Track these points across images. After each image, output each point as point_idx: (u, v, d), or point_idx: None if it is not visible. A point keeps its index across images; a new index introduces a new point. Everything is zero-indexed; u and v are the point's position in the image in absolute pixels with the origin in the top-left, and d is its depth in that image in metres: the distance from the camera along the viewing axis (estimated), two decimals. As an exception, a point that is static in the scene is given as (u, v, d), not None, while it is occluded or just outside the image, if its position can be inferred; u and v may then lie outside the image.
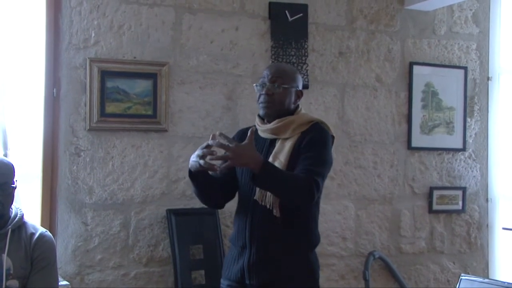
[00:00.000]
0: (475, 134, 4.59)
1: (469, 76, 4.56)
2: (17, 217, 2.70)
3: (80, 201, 3.56)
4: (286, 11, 4.01)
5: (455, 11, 4.54)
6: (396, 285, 4.30)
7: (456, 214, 4.52)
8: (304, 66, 4.03)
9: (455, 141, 4.50)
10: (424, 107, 4.41)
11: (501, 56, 4.63)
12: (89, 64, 3.55)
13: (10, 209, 2.70)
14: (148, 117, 3.68)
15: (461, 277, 3.16)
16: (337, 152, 4.06)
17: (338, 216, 4.18)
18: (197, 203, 2.83)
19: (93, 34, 3.59)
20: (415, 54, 4.41)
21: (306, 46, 4.05)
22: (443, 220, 4.48)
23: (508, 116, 4.61)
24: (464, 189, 4.51)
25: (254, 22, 3.97)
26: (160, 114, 3.69)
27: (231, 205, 2.87)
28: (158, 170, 3.72)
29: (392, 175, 4.33)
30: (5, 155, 3.43)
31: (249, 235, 2.62)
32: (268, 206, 2.58)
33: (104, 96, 3.57)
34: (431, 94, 4.43)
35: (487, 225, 4.63)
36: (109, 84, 3.59)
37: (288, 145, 2.63)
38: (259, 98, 2.72)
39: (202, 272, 3.69)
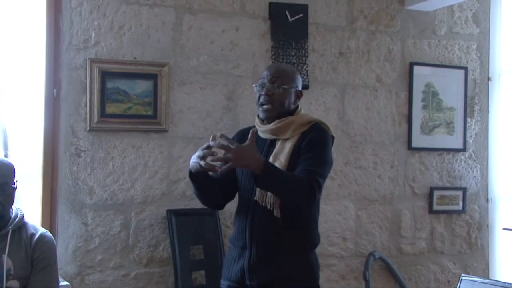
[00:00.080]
0: (476, 134, 4.59)
1: (470, 77, 4.56)
2: (18, 218, 2.71)
3: (80, 202, 3.56)
4: (286, 12, 4.01)
5: (455, 11, 4.54)
6: (396, 285, 4.30)
7: (457, 215, 4.52)
8: (304, 67, 4.04)
9: (455, 142, 4.50)
10: (424, 107, 4.41)
11: (502, 56, 4.63)
12: (89, 64, 3.55)
13: (11, 209, 2.70)
14: (148, 118, 3.68)
15: (461, 278, 3.15)
16: (337, 153, 4.06)
17: (338, 216, 4.18)
18: (197, 204, 2.83)
19: (93, 35, 3.59)
20: (416, 55, 4.41)
21: (306, 47, 4.05)
22: (443, 221, 4.48)
23: (508, 116, 4.61)
24: (464, 190, 4.51)
25: (254, 22, 3.97)
26: (160, 114, 3.70)
27: (231, 206, 2.87)
28: (159, 171, 3.72)
29: (392, 176, 4.33)
30: (6, 155, 3.44)
31: (249, 236, 2.62)
32: (268, 207, 2.58)
33: (104, 96, 3.58)
34: (431, 94, 4.43)
35: (488, 226, 4.63)
36: (110, 84, 3.60)
37: (288, 145, 2.63)
38: (258, 98, 2.72)
39: (203, 272, 3.69)
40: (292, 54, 4.01)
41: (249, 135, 2.48)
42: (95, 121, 3.56)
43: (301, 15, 4.04)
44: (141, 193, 3.68)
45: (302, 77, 3.82)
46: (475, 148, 4.58)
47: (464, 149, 4.53)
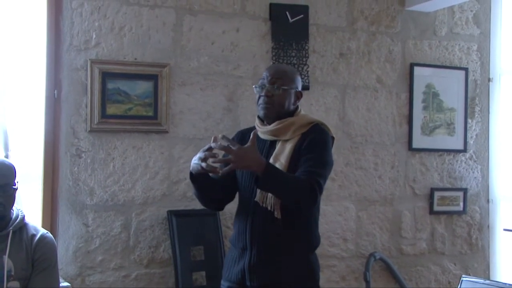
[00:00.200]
0: (476, 135, 4.59)
1: (470, 77, 4.56)
2: (18, 219, 2.71)
3: (81, 203, 3.56)
4: (287, 12, 4.01)
5: (456, 12, 4.54)
6: (397, 286, 4.30)
7: (457, 215, 4.52)
8: (305, 67, 4.04)
9: (456, 142, 4.50)
10: (425, 108, 4.41)
11: (502, 57, 4.62)
12: (90, 65, 3.56)
13: (11, 210, 2.70)
14: (149, 119, 3.68)
15: (462, 278, 3.16)
16: (338, 153, 4.07)
17: (339, 217, 4.18)
18: (198, 205, 2.84)
19: (94, 36, 3.59)
20: (416, 55, 4.41)
21: (306, 47, 4.05)
22: (444, 221, 4.48)
23: (509, 117, 4.60)
24: (465, 190, 4.51)
25: (254, 23, 3.97)
26: (161, 115, 3.70)
27: (232, 207, 2.87)
28: (159, 172, 3.72)
29: (393, 176, 4.33)
30: (6, 156, 3.44)
31: (250, 237, 2.62)
32: (269, 208, 2.58)
33: (105, 97, 3.58)
34: (432, 95, 4.43)
35: (488, 226, 4.62)
36: (110, 85, 3.60)
37: (288, 147, 2.63)
38: (258, 99, 2.72)
39: (203, 273, 3.69)
40: (293, 55, 4.01)
41: (251, 136, 2.48)
42: (95, 122, 3.57)
43: (302, 16, 4.04)
44: (142, 194, 3.68)
45: (302, 78, 3.83)
46: (476, 149, 4.58)
47: (464, 150, 4.53)
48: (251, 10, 3.96)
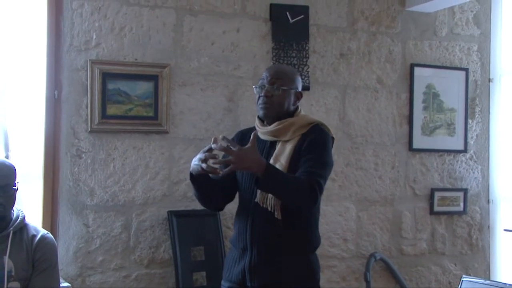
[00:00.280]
0: (476, 135, 4.59)
1: (470, 78, 4.56)
2: (19, 219, 2.71)
3: (81, 203, 3.56)
4: (287, 13, 4.01)
5: (456, 12, 4.54)
6: (397, 286, 4.30)
7: (458, 216, 4.52)
8: (305, 68, 4.04)
9: (456, 143, 4.50)
10: (425, 108, 4.41)
11: (503, 57, 4.62)
12: (90, 66, 3.56)
13: (12, 211, 2.71)
14: (149, 119, 3.68)
15: (462, 279, 3.16)
16: (338, 154, 4.07)
17: (339, 217, 4.18)
18: (198, 205, 2.84)
19: (94, 36, 3.60)
20: (416, 56, 4.41)
21: (307, 48, 4.06)
22: (444, 222, 4.48)
23: (509, 117, 4.61)
24: (465, 191, 4.51)
25: (255, 23, 3.97)
26: (161, 116, 3.70)
27: (232, 207, 2.87)
28: (159, 172, 3.72)
29: (393, 177, 4.33)
30: (7, 156, 3.44)
31: (250, 237, 2.62)
32: (269, 209, 2.58)
33: (105, 98, 3.58)
34: (432, 95, 4.43)
35: (489, 227, 4.62)
36: (110, 86, 3.60)
37: (288, 147, 2.63)
38: (258, 100, 2.72)
39: (204, 273, 3.69)
40: (293, 55, 4.02)
41: (251, 137, 2.48)
42: (96, 122, 3.57)
43: (302, 16, 4.04)
44: (142, 194, 3.68)
45: (303, 79, 3.83)
46: (476, 149, 4.58)
47: (465, 150, 4.53)
48: (252, 10, 3.96)
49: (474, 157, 4.58)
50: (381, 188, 4.29)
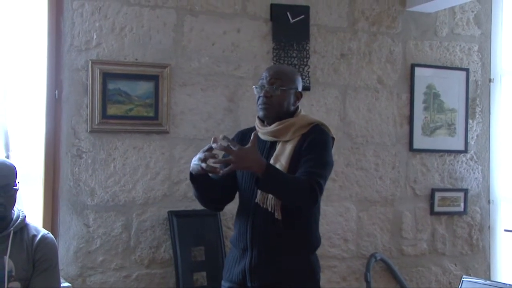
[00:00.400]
0: (477, 136, 4.59)
1: (471, 78, 4.56)
2: (19, 219, 2.71)
3: (82, 203, 3.56)
4: (288, 13, 4.01)
5: (457, 12, 4.54)
6: (397, 286, 4.29)
7: (458, 216, 4.52)
8: (306, 68, 4.04)
9: (456, 143, 4.50)
10: (425, 108, 4.41)
11: (503, 57, 4.62)
12: (90, 66, 3.56)
13: (12, 211, 2.71)
14: (149, 119, 3.68)
15: (462, 279, 3.16)
16: (338, 154, 4.07)
17: (339, 218, 4.18)
18: (198, 205, 2.84)
19: (94, 36, 3.60)
20: (417, 56, 4.41)
21: (307, 48, 4.05)
22: (444, 222, 4.48)
23: (509, 117, 4.60)
24: (465, 191, 4.51)
25: (255, 24, 3.97)
26: (161, 116, 3.70)
27: (232, 207, 2.87)
28: (160, 172, 3.72)
29: (393, 177, 4.33)
30: (7, 156, 3.43)
31: (250, 238, 2.62)
32: (269, 209, 2.58)
33: (105, 98, 3.58)
34: (432, 95, 4.43)
35: (489, 227, 4.62)
36: (111, 86, 3.60)
37: (289, 147, 2.63)
38: (258, 100, 2.72)
39: (204, 273, 3.69)
40: (294, 55, 4.02)
41: (251, 137, 2.48)
42: (96, 123, 3.57)
43: (303, 16, 4.04)
44: (143, 194, 3.68)
45: (303, 79, 3.84)
46: (477, 149, 4.58)
47: (465, 151, 4.53)
48: (252, 10, 3.96)
49: (475, 157, 4.57)
50: (382, 188, 4.29)
